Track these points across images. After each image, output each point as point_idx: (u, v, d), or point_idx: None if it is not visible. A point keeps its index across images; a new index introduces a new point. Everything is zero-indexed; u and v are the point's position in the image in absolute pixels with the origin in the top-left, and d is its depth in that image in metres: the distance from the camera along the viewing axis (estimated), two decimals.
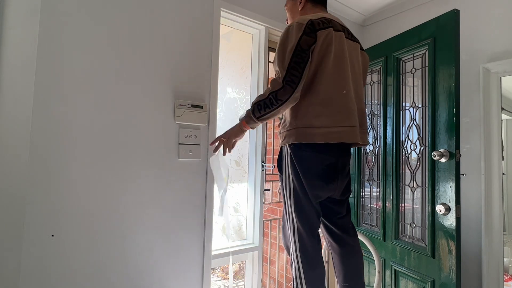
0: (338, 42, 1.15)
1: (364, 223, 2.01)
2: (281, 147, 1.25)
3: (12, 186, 1.20)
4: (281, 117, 1.27)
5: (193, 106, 1.53)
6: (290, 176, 1.17)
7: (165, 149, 1.47)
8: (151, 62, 1.43)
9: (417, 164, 1.64)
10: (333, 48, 1.12)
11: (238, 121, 1.17)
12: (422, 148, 1.61)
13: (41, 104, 1.16)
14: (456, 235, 1.38)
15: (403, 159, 1.74)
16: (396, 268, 1.72)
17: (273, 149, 2.19)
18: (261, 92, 1.87)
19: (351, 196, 1.99)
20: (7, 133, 1.27)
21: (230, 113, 1.97)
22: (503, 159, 1.90)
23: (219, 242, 1.83)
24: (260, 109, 1.08)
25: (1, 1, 1.35)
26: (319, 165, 1.15)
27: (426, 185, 1.56)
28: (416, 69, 1.68)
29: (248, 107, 1.82)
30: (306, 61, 1.05)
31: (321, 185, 1.16)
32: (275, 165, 1.31)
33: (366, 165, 2.03)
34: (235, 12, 1.76)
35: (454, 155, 1.40)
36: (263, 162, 1.90)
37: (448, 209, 1.40)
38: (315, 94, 1.12)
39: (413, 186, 1.66)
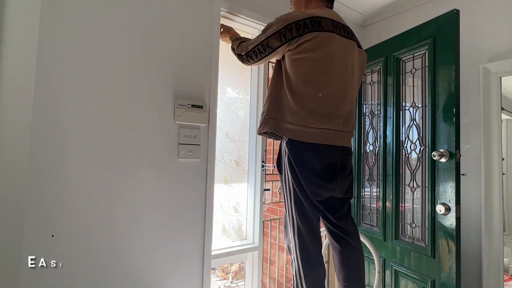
0: (323, 45, 1.15)
1: (364, 223, 2.01)
2: (280, 147, 1.26)
3: (12, 187, 1.20)
4: None
5: (193, 106, 1.53)
6: (289, 176, 1.18)
7: (165, 149, 1.47)
8: (151, 62, 1.43)
9: (417, 164, 1.64)
10: (315, 52, 1.14)
11: (232, 39, 1.46)
12: (422, 148, 1.61)
13: (40, 105, 1.16)
14: (456, 235, 1.38)
15: (403, 159, 1.74)
16: (396, 268, 1.72)
17: (273, 149, 2.19)
18: (261, 92, 1.93)
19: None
20: (7, 134, 1.27)
21: (230, 113, 1.97)
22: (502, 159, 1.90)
23: (219, 242, 1.83)
24: (234, 50, 1.39)
25: (1, 1, 1.35)
26: (316, 165, 1.16)
27: (426, 185, 1.56)
28: (416, 69, 1.68)
29: (248, 107, 2.00)
30: (267, 54, 1.23)
31: (320, 183, 1.16)
32: (275, 165, 1.32)
33: (366, 165, 2.03)
34: (235, 12, 1.76)
35: (454, 155, 1.40)
36: (263, 162, 1.90)
37: (448, 209, 1.40)
38: (292, 92, 1.18)
39: (413, 186, 1.66)
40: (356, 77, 1.28)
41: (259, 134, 1.28)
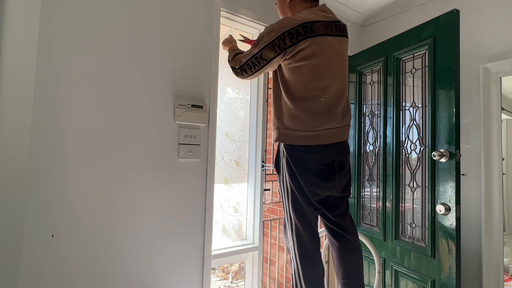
0: (320, 51, 1.15)
1: (364, 223, 2.01)
2: (278, 148, 1.27)
3: (12, 187, 1.20)
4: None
5: (193, 106, 1.53)
6: (287, 176, 1.19)
7: (165, 149, 1.47)
8: (151, 62, 1.43)
9: (417, 164, 1.64)
10: (312, 58, 1.14)
11: (229, 50, 1.43)
12: (422, 148, 1.61)
13: (40, 105, 1.16)
14: (456, 235, 1.38)
15: (403, 159, 1.73)
16: (396, 268, 1.72)
17: (273, 149, 2.20)
18: (261, 92, 1.94)
19: (351, 196, 2.00)
20: (7, 134, 1.27)
21: (230, 113, 1.97)
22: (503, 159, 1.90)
23: (219, 242, 1.83)
24: (229, 62, 1.36)
25: (1, 1, 1.35)
26: (315, 165, 1.17)
27: (426, 185, 1.56)
28: (416, 69, 1.68)
29: (248, 107, 2.01)
30: (261, 66, 1.21)
31: (318, 183, 1.17)
32: (274, 165, 1.33)
33: (366, 165, 2.03)
34: (235, 12, 1.76)
35: (454, 155, 1.40)
36: (263, 162, 1.90)
37: (448, 209, 1.40)
38: (293, 99, 1.17)
39: (413, 186, 1.66)
40: (348, 70, 1.30)
41: (275, 142, 1.29)
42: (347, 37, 1.29)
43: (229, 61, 1.36)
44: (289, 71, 1.17)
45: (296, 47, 1.13)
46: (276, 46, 1.14)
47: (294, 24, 1.13)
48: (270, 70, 1.26)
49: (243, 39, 1.62)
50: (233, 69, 1.31)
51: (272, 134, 1.27)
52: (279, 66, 1.23)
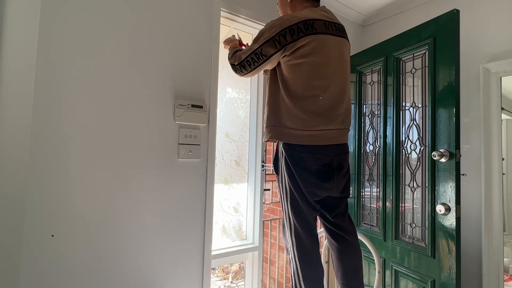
0: (320, 49, 1.14)
1: (364, 223, 2.01)
2: (277, 148, 1.26)
3: (12, 187, 1.20)
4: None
5: (193, 106, 1.53)
6: (286, 176, 1.19)
7: (165, 149, 1.47)
8: (151, 63, 1.43)
9: (417, 164, 1.64)
10: (312, 56, 1.13)
11: (229, 48, 1.41)
12: (422, 148, 1.61)
13: (40, 106, 1.16)
14: (456, 235, 1.38)
15: (403, 159, 1.73)
16: (396, 268, 1.72)
17: (273, 149, 2.20)
18: (261, 92, 1.94)
19: (350, 196, 2.00)
20: (7, 134, 1.27)
21: (230, 113, 1.97)
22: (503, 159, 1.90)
23: (219, 242, 1.83)
24: (229, 59, 1.36)
25: (1, 1, 1.35)
26: (314, 165, 1.16)
27: (426, 185, 1.56)
28: (416, 69, 1.68)
29: (248, 107, 2.01)
30: (261, 62, 1.19)
31: (316, 183, 1.17)
32: (272, 165, 1.33)
33: (366, 165, 2.03)
34: (235, 12, 1.76)
35: (454, 155, 1.40)
36: (263, 162, 1.90)
37: (448, 209, 1.40)
38: (292, 97, 1.16)
39: (413, 186, 1.66)
40: (350, 72, 1.29)
41: (266, 141, 1.28)
42: (348, 40, 1.29)
43: (229, 58, 1.35)
44: (289, 69, 1.17)
45: (296, 44, 1.12)
46: (277, 42, 1.14)
47: (295, 20, 1.13)
48: (269, 67, 1.25)
49: (238, 39, 1.62)
50: (232, 65, 1.30)
51: (265, 132, 1.25)
52: (278, 64, 1.22)
